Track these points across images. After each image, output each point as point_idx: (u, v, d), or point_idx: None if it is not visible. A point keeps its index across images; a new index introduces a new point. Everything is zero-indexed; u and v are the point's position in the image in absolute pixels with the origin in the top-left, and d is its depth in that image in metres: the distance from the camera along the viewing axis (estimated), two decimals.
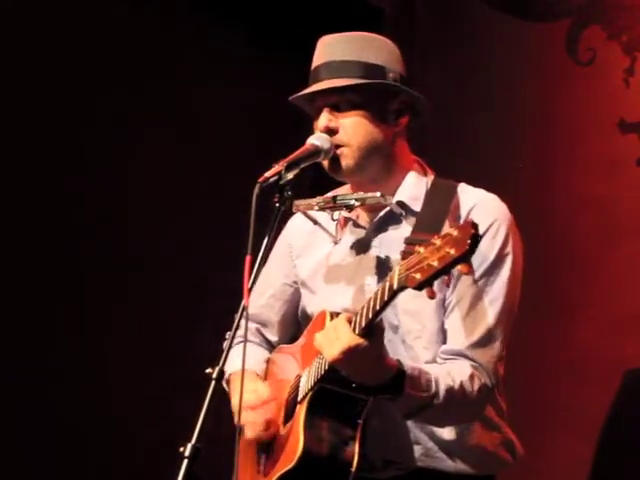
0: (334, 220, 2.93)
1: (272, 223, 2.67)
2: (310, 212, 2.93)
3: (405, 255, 2.36)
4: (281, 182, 2.64)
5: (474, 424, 2.81)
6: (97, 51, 4.27)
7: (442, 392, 2.62)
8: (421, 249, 2.29)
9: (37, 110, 4.09)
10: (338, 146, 2.80)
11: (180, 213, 4.51)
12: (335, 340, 2.51)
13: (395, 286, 2.38)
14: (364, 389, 2.63)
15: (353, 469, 2.64)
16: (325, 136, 2.78)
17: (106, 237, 4.31)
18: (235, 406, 2.89)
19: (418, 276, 2.28)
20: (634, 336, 4.11)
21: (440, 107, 4.62)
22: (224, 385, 3.00)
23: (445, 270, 2.24)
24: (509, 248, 2.78)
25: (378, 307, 2.46)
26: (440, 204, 2.75)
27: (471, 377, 2.69)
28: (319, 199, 2.89)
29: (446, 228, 2.61)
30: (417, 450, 2.78)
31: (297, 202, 2.88)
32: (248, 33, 4.76)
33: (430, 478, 2.79)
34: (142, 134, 4.40)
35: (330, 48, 2.83)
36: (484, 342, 2.73)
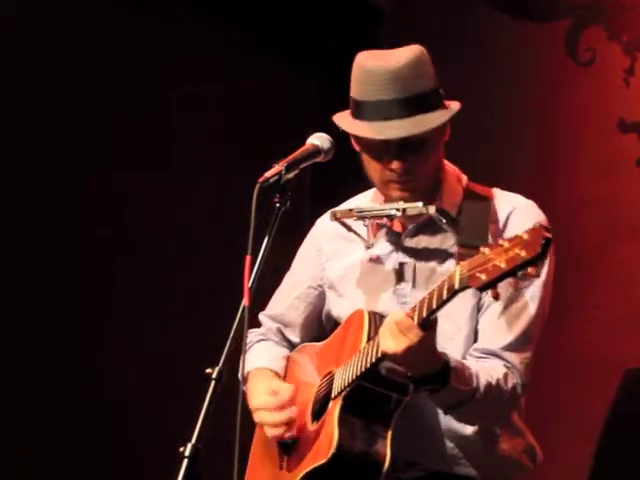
0: (365, 225, 2.89)
1: (272, 223, 2.68)
2: (344, 220, 2.90)
3: (462, 257, 2.38)
4: (281, 182, 2.64)
5: (500, 430, 2.81)
6: (97, 51, 4.28)
7: (482, 387, 2.63)
8: (486, 250, 2.30)
9: (37, 109, 4.10)
10: (409, 179, 2.76)
11: (180, 213, 4.51)
12: (399, 335, 2.50)
13: (457, 286, 2.38)
14: (403, 386, 2.64)
15: (385, 469, 2.65)
16: (325, 136, 2.77)
17: (106, 237, 4.31)
18: (253, 407, 2.88)
19: (483, 277, 2.28)
20: (634, 336, 4.11)
21: None
22: (241, 381, 3.00)
23: (513, 272, 2.24)
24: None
25: (435, 305, 2.46)
26: (478, 210, 2.74)
27: (505, 376, 2.69)
28: (358, 208, 2.87)
29: (489, 233, 2.63)
30: (443, 455, 2.78)
31: (334, 210, 2.90)
32: (248, 33, 4.76)
33: None
34: (142, 134, 4.40)
35: (379, 81, 2.71)
36: (518, 344, 2.74)
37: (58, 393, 4.14)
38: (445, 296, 2.42)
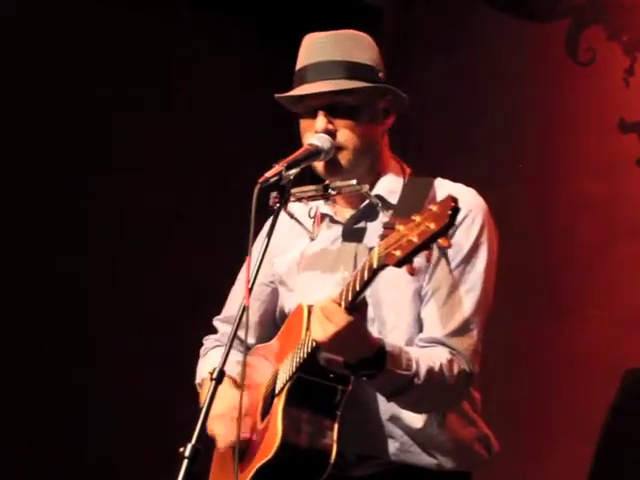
0: (311, 218, 2.93)
1: (272, 223, 2.68)
2: (288, 207, 2.88)
3: (383, 237, 2.37)
4: (281, 182, 2.64)
5: (450, 418, 2.80)
6: (97, 51, 4.28)
7: (422, 372, 2.62)
8: (400, 227, 2.31)
9: (37, 110, 4.10)
10: (337, 148, 2.79)
11: (180, 213, 4.51)
12: (325, 321, 2.51)
13: (375, 265, 2.38)
14: (343, 376, 2.63)
15: (331, 461, 2.63)
16: (325, 136, 2.77)
17: (106, 237, 4.32)
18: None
19: (398, 253, 2.29)
20: (634, 336, 4.10)
21: (440, 107, 4.65)
22: (198, 388, 3.00)
23: (425, 245, 2.26)
24: (484, 238, 2.79)
25: (359, 288, 2.46)
26: (417, 197, 2.75)
27: (450, 362, 2.69)
28: (296, 190, 2.86)
29: None
30: (392, 444, 2.77)
31: (274, 195, 2.89)
32: (247, 33, 4.76)
33: (405, 473, 2.78)
34: (142, 134, 4.40)
35: (319, 48, 2.82)
36: (461, 330, 2.73)
37: (58, 393, 4.14)
38: (366, 277, 2.43)
